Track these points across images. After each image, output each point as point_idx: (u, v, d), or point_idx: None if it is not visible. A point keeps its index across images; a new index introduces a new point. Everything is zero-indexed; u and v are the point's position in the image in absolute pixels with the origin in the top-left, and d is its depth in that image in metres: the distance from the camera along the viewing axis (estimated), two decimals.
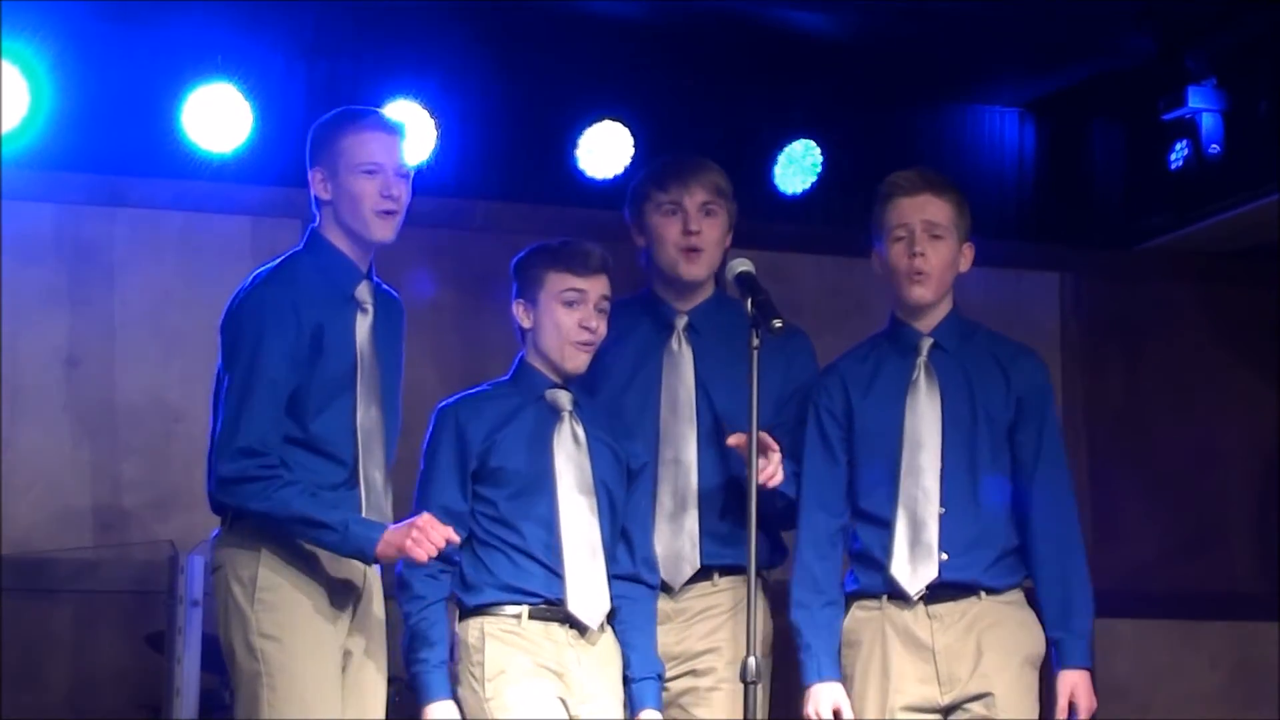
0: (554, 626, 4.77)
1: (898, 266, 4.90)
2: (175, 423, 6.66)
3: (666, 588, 4.97)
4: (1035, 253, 7.55)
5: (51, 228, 6.71)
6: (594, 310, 4.83)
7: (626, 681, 4.82)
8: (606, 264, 4.87)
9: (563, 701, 4.74)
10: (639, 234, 5.13)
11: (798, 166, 7.22)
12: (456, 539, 4.51)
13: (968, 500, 4.84)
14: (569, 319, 4.82)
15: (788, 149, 7.20)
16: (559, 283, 4.83)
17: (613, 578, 4.85)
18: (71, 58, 6.49)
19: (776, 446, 4.79)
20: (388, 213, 4.71)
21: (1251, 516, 7.70)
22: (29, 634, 6.55)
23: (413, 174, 4.81)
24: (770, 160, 7.14)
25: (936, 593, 4.82)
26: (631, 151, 7.02)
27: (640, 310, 5.13)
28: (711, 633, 4.99)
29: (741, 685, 4.49)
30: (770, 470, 4.80)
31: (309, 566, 4.61)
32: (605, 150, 7.05)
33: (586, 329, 4.82)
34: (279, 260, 4.73)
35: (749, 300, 4.64)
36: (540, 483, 4.80)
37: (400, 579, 4.76)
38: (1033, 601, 4.91)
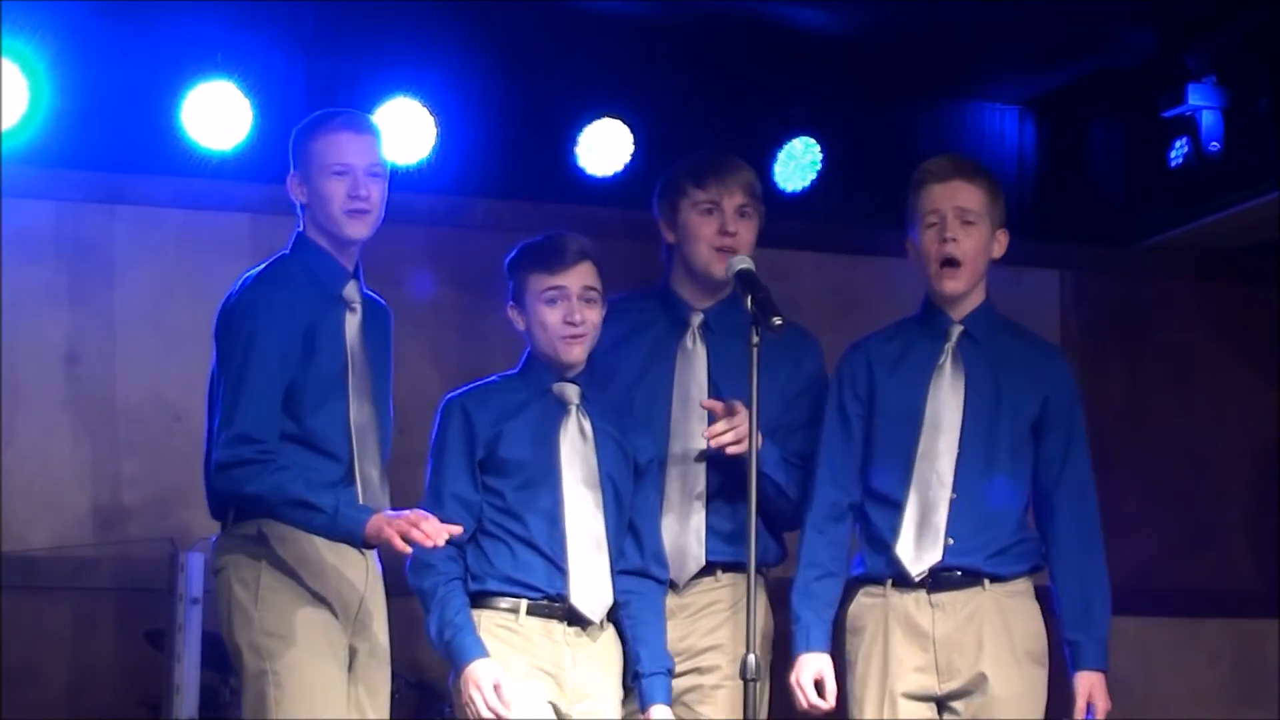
0: (552, 623, 4.77)
1: (929, 253, 4.90)
2: (175, 420, 6.66)
3: (671, 583, 4.99)
4: (1035, 250, 7.53)
5: (51, 225, 6.71)
6: (579, 302, 4.82)
7: (636, 676, 4.83)
8: (586, 253, 4.85)
9: (554, 706, 4.74)
10: (668, 229, 5.12)
11: (797, 164, 7.22)
12: (442, 540, 4.46)
13: (981, 488, 4.85)
14: (553, 316, 4.83)
15: (787, 146, 7.20)
16: (538, 283, 4.84)
17: (621, 573, 4.86)
18: (71, 55, 6.48)
19: (742, 411, 4.76)
20: (358, 212, 4.71)
21: (1251, 514, 7.70)
22: (28, 631, 6.55)
23: (388, 173, 4.79)
24: (770, 158, 7.13)
25: (940, 580, 4.84)
26: (631, 149, 7.02)
27: (656, 305, 5.14)
28: (714, 629, 5.00)
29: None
30: (727, 435, 4.82)
31: (312, 565, 4.62)
32: (605, 147, 7.04)
33: (570, 323, 4.82)
34: (266, 263, 4.77)
35: (749, 298, 4.65)
36: (546, 475, 4.81)
37: (419, 560, 4.73)
38: (1046, 600, 4.91)
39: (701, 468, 5.01)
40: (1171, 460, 7.61)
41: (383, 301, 4.91)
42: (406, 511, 4.49)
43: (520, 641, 4.75)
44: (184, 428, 6.54)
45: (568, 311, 4.82)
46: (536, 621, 4.76)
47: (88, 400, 6.71)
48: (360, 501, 4.65)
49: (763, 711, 4.95)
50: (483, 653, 4.68)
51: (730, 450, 4.87)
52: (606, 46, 6.85)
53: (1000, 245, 4.96)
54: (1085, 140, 7.59)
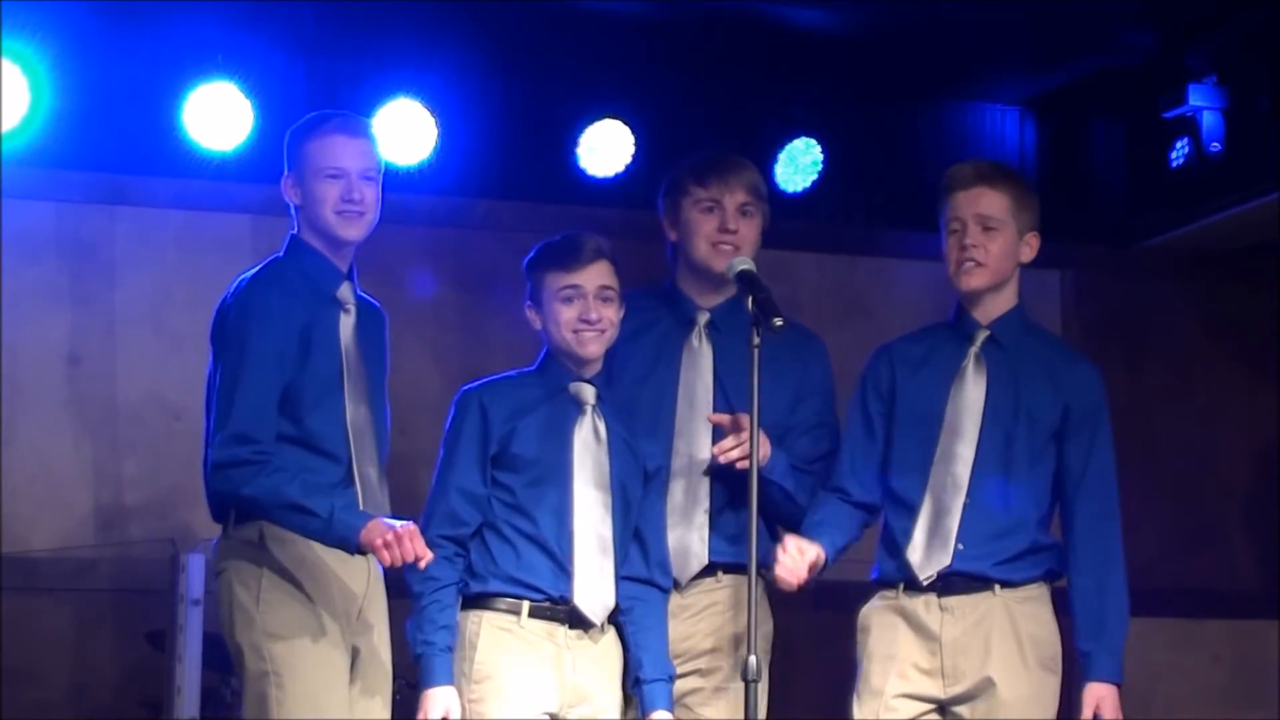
0: (554, 626, 4.77)
1: (950, 259, 4.91)
2: (176, 421, 6.66)
3: (674, 583, 4.98)
4: None
5: (52, 226, 6.72)
6: (595, 301, 4.81)
7: (638, 683, 4.82)
8: (603, 251, 4.85)
9: (551, 716, 4.73)
10: (671, 227, 5.12)
11: (798, 165, 7.22)
12: (426, 559, 4.48)
13: (995, 494, 4.84)
14: (569, 314, 4.82)
15: (788, 147, 7.20)
16: (555, 281, 4.83)
17: (625, 579, 4.85)
18: (72, 56, 6.48)
19: (746, 427, 4.75)
20: (352, 214, 4.71)
21: (1251, 514, 7.70)
22: (29, 632, 6.56)
23: (382, 175, 4.79)
24: (771, 158, 7.13)
25: (950, 584, 4.83)
26: (632, 149, 7.02)
27: (662, 304, 5.13)
28: (715, 631, 5.00)
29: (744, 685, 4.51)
30: (735, 451, 4.82)
31: (313, 567, 4.62)
32: (606, 148, 7.04)
33: (586, 321, 4.81)
34: (262, 265, 4.77)
35: (750, 299, 4.65)
36: (557, 474, 4.80)
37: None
38: (1063, 609, 4.89)
39: (706, 467, 5.00)
40: (1172, 461, 7.61)
41: (377, 304, 4.91)
42: (400, 523, 4.50)
43: (520, 644, 4.75)
44: (185, 428, 6.55)
45: (584, 310, 4.81)
46: (538, 623, 4.76)
47: (89, 401, 6.72)
48: (360, 500, 4.65)
49: (763, 712, 4.94)
50: (445, 680, 4.69)
51: (740, 465, 4.86)
52: (607, 47, 6.85)
53: (1031, 249, 4.95)
54: (1086, 140, 7.59)
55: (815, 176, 7.25)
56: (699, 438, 5.01)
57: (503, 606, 4.76)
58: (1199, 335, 7.73)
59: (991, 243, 4.88)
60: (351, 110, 5.06)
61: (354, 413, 4.69)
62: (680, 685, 4.94)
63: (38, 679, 6.56)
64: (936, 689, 4.84)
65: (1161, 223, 7.31)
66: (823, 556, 4.84)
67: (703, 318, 5.10)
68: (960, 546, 4.82)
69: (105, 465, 6.71)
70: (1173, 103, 6.88)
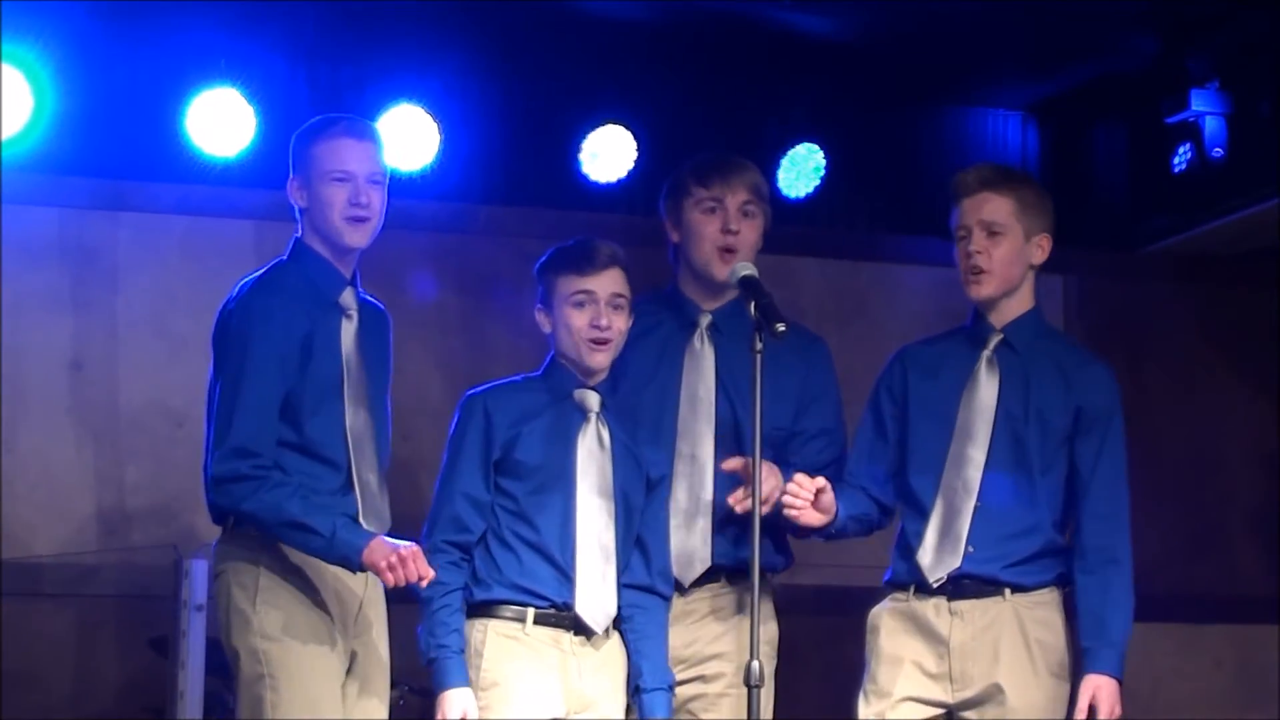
0: (559, 632, 4.77)
1: (960, 266, 4.93)
2: (178, 427, 6.65)
3: (677, 585, 4.98)
4: None
5: (54, 232, 6.71)
6: (606, 308, 4.81)
7: (638, 691, 4.82)
8: (617, 259, 4.85)
9: None
10: (674, 229, 5.12)
11: (800, 170, 7.22)
12: (429, 577, 4.49)
13: (1006, 497, 4.85)
14: (580, 319, 4.81)
15: (791, 152, 7.20)
16: (567, 285, 4.83)
17: (627, 586, 4.85)
18: (74, 62, 6.49)
19: (763, 468, 4.71)
20: (358, 219, 4.71)
21: (1254, 519, 7.69)
22: (32, 638, 6.55)
23: (388, 180, 4.79)
24: (773, 163, 7.14)
25: (960, 587, 4.84)
26: (635, 155, 7.02)
27: (664, 307, 5.13)
28: (719, 636, 5.00)
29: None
30: (747, 502, 4.75)
31: (311, 569, 4.62)
32: (609, 154, 7.05)
33: (597, 327, 4.80)
34: (265, 269, 4.77)
35: (752, 304, 4.65)
36: (560, 480, 4.80)
37: None
38: (1072, 610, 4.90)
39: (709, 470, 5.00)
40: (1174, 465, 7.60)
41: (381, 306, 4.91)
42: (404, 544, 4.50)
43: (526, 651, 4.75)
44: (187, 434, 6.54)
45: (595, 315, 4.81)
46: (543, 630, 4.76)
47: (91, 406, 6.71)
48: (360, 507, 4.66)
49: (767, 716, 4.93)
50: (461, 682, 4.68)
51: (765, 508, 4.79)
52: (610, 53, 6.86)
53: (1042, 251, 4.96)
54: (1088, 145, 7.59)
55: (818, 182, 7.25)
56: (702, 440, 5.01)
57: (508, 614, 4.76)
58: (1201, 340, 7.73)
59: (996, 248, 4.88)
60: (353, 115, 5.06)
61: (354, 419, 4.69)
62: (683, 691, 4.95)
63: (40, 685, 6.55)
64: (944, 693, 4.84)
65: (1164, 227, 7.31)
66: (834, 504, 4.83)
67: (705, 320, 5.09)
68: (970, 549, 4.82)
69: (108, 470, 6.70)
70: (1175, 108, 6.88)
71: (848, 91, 7.22)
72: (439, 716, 4.67)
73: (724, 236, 5.04)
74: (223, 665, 5.68)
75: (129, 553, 6.61)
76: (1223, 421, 7.69)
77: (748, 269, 4.83)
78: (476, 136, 6.93)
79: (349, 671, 4.69)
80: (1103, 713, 4.79)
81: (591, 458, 4.83)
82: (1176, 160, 6.99)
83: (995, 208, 4.90)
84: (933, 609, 4.85)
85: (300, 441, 4.63)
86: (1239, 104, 6.81)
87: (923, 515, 4.88)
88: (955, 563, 4.82)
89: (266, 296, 4.67)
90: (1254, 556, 7.67)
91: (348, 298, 4.75)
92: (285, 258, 4.79)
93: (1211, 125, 6.86)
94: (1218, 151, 6.86)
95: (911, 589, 4.88)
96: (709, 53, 6.91)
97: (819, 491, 4.83)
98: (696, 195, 5.08)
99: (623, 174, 7.06)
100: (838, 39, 6.87)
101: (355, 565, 4.52)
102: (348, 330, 4.73)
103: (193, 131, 6.60)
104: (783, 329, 4.58)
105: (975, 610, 4.83)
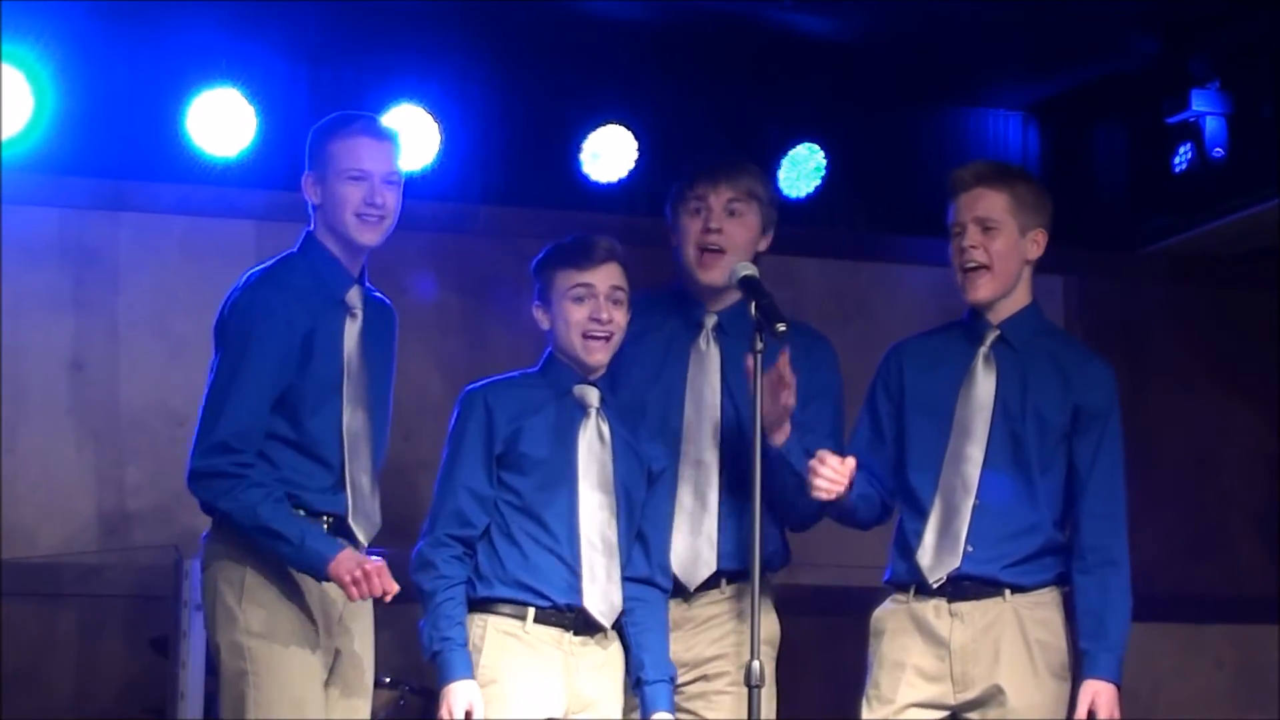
0: (559, 631, 4.76)
1: (955, 263, 4.90)
2: (179, 427, 6.65)
3: (682, 588, 4.97)
4: None
5: (55, 232, 6.71)
6: (605, 302, 4.80)
7: (639, 684, 4.81)
8: (615, 253, 4.84)
9: None
10: (673, 233, 5.12)
11: (801, 170, 7.22)
12: (393, 592, 4.50)
13: (1005, 495, 4.82)
14: (579, 313, 4.80)
15: (791, 153, 7.21)
16: (566, 280, 4.82)
17: (627, 580, 4.84)
18: (75, 62, 6.49)
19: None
20: (372, 219, 4.70)
21: (1255, 519, 7.70)
22: (33, 638, 6.55)
23: (403, 180, 4.79)
24: (774, 164, 7.14)
25: (960, 588, 4.82)
26: (635, 155, 7.03)
27: (670, 306, 5.12)
28: (720, 639, 4.99)
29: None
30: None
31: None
32: (609, 154, 7.06)
33: (597, 321, 4.80)
34: (273, 262, 4.76)
35: (752, 304, 4.65)
36: (562, 476, 4.79)
37: (422, 558, 4.73)
38: (1072, 609, 4.89)
39: (714, 472, 4.99)
40: (1174, 466, 7.60)
41: (388, 301, 4.90)
42: (371, 560, 4.50)
43: (526, 650, 4.73)
44: (188, 434, 6.45)
45: (594, 309, 4.80)
46: (543, 629, 4.74)
47: (92, 407, 6.71)
48: (350, 507, 4.66)
49: (768, 716, 4.93)
50: (465, 674, 4.66)
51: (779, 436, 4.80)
52: (611, 53, 6.86)
53: (1038, 246, 4.93)
54: (1089, 146, 7.60)
55: (818, 182, 7.26)
56: (706, 441, 5.00)
57: (508, 611, 4.74)
58: (1202, 340, 7.73)
59: (991, 243, 4.86)
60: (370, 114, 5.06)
61: (351, 419, 4.68)
62: (685, 690, 4.94)
63: (41, 685, 6.55)
64: (946, 695, 4.83)
65: (1164, 228, 7.31)
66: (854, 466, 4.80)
67: (710, 320, 5.08)
68: (970, 548, 4.80)
69: (108, 471, 6.71)
70: (1175, 108, 6.88)
71: (848, 92, 7.22)
72: (443, 710, 4.66)
73: (704, 236, 5.02)
74: None
75: (130, 553, 6.61)
76: (1223, 421, 7.69)
77: (748, 269, 4.82)
78: (477, 137, 6.93)
79: (331, 671, 4.68)
80: (1101, 718, 4.79)
81: (592, 453, 4.82)
82: (1177, 160, 6.99)
83: (990, 203, 4.88)
84: (933, 611, 4.84)
85: (296, 438, 4.63)
86: (1239, 104, 6.81)
87: (921, 514, 4.86)
88: (954, 563, 4.81)
89: (270, 292, 4.66)
90: (1254, 556, 7.67)
91: (354, 296, 4.74)
92: (295, 250, 4.77)
93: (1212, 125, 6.86)
94: (1218, 152, 6.86)
95: (912, 590, 4.87)
96: (709, 53, 6.91)
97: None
98: (684, 197, 5.08)
99: (623, 174, 7.07)
100: (838, 39, 6.87)
101: (321, 575, 4.52)
102: (351, 330, 4.72)
103: (193, 131, 6.60)
104: (783, 329, 4.57)
105: (975, 612, 4.82)
